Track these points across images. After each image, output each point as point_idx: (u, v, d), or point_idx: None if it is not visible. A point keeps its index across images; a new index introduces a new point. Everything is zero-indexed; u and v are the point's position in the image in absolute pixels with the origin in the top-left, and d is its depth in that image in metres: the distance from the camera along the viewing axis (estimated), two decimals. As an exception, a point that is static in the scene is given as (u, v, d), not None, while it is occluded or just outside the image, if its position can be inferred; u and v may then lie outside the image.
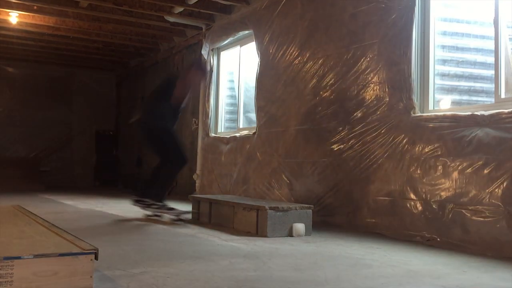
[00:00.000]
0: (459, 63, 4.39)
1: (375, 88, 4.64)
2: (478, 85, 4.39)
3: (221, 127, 7.76)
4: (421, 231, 4.02)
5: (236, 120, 7.47)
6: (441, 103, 4.37)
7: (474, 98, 4.35)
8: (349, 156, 4.83)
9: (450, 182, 3.84)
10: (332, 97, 5.11)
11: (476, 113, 3.72)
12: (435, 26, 4.34)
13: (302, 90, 5.57)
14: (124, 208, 6.39)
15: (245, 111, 7.26)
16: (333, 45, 5.17)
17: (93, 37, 8.96)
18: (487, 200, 3.54)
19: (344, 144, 4.89)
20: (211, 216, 4.90)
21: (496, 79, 3.77)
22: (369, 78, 4.69)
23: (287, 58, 5.82)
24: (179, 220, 4.91)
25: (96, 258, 2.23)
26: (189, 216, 5.05)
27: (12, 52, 10.21)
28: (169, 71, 9.60)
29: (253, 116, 6.73)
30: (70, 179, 11.63)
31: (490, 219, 3.51)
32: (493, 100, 3.83)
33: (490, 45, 3.95)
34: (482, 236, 3.54)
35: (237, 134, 6.94)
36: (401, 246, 3.74)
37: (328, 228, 4.59)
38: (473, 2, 4.40)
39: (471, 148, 3.69)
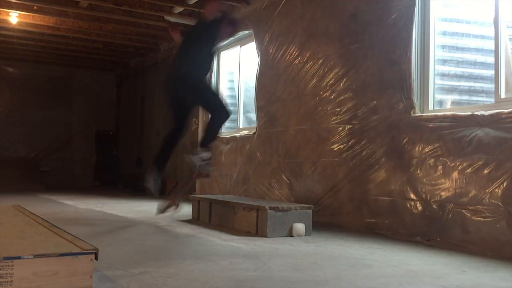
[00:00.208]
0: (459, 63, 4.39)
1: (375, 88, 4.63)
2: (478, 85, 4.39)
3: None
4: (421, 231, 4.02)
5: (236, 120, 7.47)
6: (441, 103, 4.37)
7: (474, 98, 4.35)
8: (349, 156, 4.83)
9: (450, 182, 3.84)
10: (332, 97, 5.11)
11: (476, 113, 3.72)
12: (435, 26, 4.34)
13: (302, 90, 5.57)
14: (124, 208, 6.40)
15: (245, 111, 7.26)
16: (333, 45, 5.17)
17: (93, 37, 8.96)
18: (487, 200, 3.54)
19: (344, 144, 4.89)
20: (211, 216, 4.90)
21: (496, 79, 3.77)
22: (369, 78, 4.69)
23: (287, 58, 5.82)
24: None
25: (96, 258, 2.23)
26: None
27: (12, 52, 10.21)
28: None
29: (253, 116, 6.73)
30: (70, 179, 11.62)
31: (490, 219, 3.51)
32: (493, 100, 3.83)
33: (490, 45, 3.95)
34: (482, 236, 3.54)
35: (237, 134, 6.94)
36: (401, 246, 3.74)
37: (328, 228, 4.59)
38: (473, 2, 4.40)
39: (471, 148, 3.69)
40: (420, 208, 4.07)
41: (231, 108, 7.75)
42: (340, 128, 4.96)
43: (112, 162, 12.14)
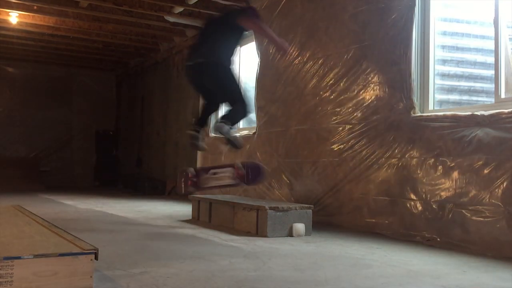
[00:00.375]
0: (459, 63, 4.39)
1: (375, 88, 4.64)
2: (478, 85, 4.39)
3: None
4: (421, 231, 4.02)
5: (236, 120, 7.45)
6: (441, 103, 4.37)
7: (474, 98, 4.35)
8: (349, 156, 4.83)
9: (450, 182, 3.84)
10: (332, 97, 5.11)
11: (476, 113, 3.72)
12: (435, 26, 4.34)
13: (302, 90, 5.57)
14: (124, 208, 6.40)
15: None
16: (333, 45, 5.17)
17: (93, 37, 8.97)
18: (487, 200, 3.54)
19: (344, 144, 4.89)
20: (211, 216, 4.90)
21: (496, 79, 3.77)
22: (369, 78, 4.69)
23: (287, 58, 5.82)
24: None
25: (96, 258, 2.23)
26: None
27: (12, 52, 10.22)
28: (167, 74, 9.59)
29: (253, 116, 6.72)
30: (70, 179, 11.63)
31: (490, 219, 3.51)
32: (493, 100, 3.83)
33: (490, 45, 3.95)
34: (482, 236, 3.54)
35: (237, 134, 6.92)
36: (401, 246, 3.74)
37: (328, 228, 4.59)
38: (473, 2, 4.40)
39: (471, 148, 3.69)
40: (420, 208, 4.07)
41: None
42: (340, 128, 4.96)
43: (112, 162, 12.15)
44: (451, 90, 4.39)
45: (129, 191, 9.88)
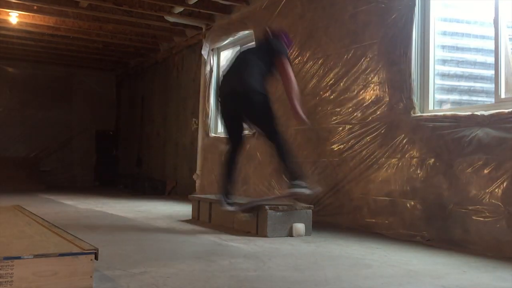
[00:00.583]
0: (459, 63, 4.39)
1: (375, 88, 4.64)
2: (478, 85, 4.39)
3: (221, 127, 7.75)
4: (421, 231, 4.02)
5: (236, 120, 7.46)
6: (444, 105, 4.37)
7: (474, 98, 4.35)
8: (349, 156, 4.83)
9: (450, 182, 3.84)
10: (332, 97, 5.11)
11: (476, 113, 3.72)
12: (435, 26, 4.34)
13: (302, 90, 5.55)
14: (124, 208, 6.40)
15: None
16: (333, 45, 5.17)
17: (93, 37, 8.97)
18: (487, 200, 3.54)
19: (344, 144, 4.89)
20: (211, 216, 4.90)
21: (496, 79, 3.77)
22: (369, 78, 4.69)
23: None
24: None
25: (96, 258, 2.23)
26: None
27: (12, 52, 10.22)
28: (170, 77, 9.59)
29: (253, 116, 6.72)
30: (70, 179, 11.63)
31: (490, 219, 3.51)
32: (493, 100, 3.83)
33: (490, 45, 3.95)
34: (482, 236, 3.54)
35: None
36: (401, 246, 3.74)
37: (328, 228, 4.58)
38: (473, 2, 4.40)
39: (471, 148, 3.69)
40: (420, 208, 4.07)
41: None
42: (340, 128, 4.96)
43: (112, 162, 12.15)
44: (451, 90, 4.39)
45: (129, 191, 9.88)
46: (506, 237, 3.39)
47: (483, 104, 4.07)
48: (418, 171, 4.11)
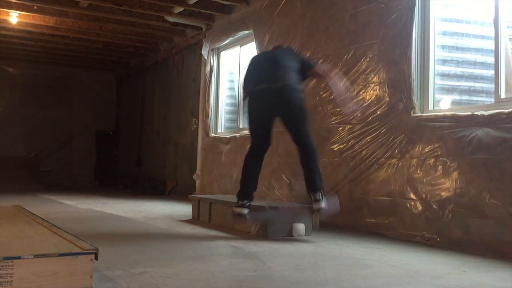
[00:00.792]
0: (459, 63, 4.39)
1: (375, 88, 4.64)
2: (478, 85, 4.38)
3: (221, 127, 7.76)
4: (421, 231, 4.02)
5: (236, 120, 7.47)
6: (441, 103, 4.37)
7: (474, 98, 4.35)
8: (349, 156, 4.83)
9: (450, 182, 3.84)
10: (332, 97, 5.11)
11: (476, 113, 3.72)
12: (435, 26, 4.34)
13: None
14: (124, 208, 6.40)
15: (245, 111, 7.24)
16: (333, 45, 5.17)
17: (93, 37, 8.97)
18: (487, 200, 3.54)
19: (344, 144, 4.89)
20: (211, 216, 4.90)
21: (496, 79, 3.77)
22: (369, 78, 4.69)
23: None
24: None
25: (96, 258, 2.23)
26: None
27: (12, 52, 10.22)
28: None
29: (253, 116, 6.71)
30: (70, 179, 11.64)
31: (490, 219, 3.51)
32: (493, 100, 3.83)
33: (490, 45, 3.95)
34: (482, 236, 3.54)
35: (237, 134, 6.94)
36: (401, 246, 3.74)
37: (328, 228, 4.58)
38: (473, 2, 4.40)
39: (471, 148, 3.69)
40: (420, 208, 4.07)
41: (231, 108, 7.79)
42: (340, 128, 4.96)
43: (112, 162, 12.15)
44: (451, 90, 4.39)
45: (129, 191, 9.88)
46: (506, 237, 3.39)
47: (483, 104, 4.07)
48: (418, 171, 4.11)
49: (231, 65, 7.74)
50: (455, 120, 3.85)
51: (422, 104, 4.29)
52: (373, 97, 4.64)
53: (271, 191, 5.89)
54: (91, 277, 2.19)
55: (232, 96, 7.78)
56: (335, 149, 5.00)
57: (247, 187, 4.13)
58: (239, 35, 7.07)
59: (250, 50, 6.91)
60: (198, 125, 8.06)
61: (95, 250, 2.23)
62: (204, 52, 7.70)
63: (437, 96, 4.33)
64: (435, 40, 4.33)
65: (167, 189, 9.24)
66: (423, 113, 4.24)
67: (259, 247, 3.58)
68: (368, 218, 4.55)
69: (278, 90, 4.01)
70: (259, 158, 4.23)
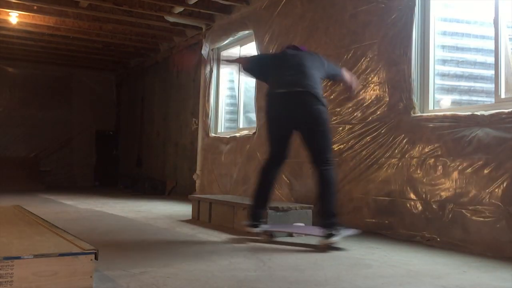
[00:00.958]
0: (459, 63, 4.39)
1: (375, 88, 4.64)
2: (478, 85, 4.39)
3: (221, 127, 7.76)
4: (421, 231, 4.02)
5: (236, 120, 7.47)
6: (441, 103, 4.37)
7: (474, 98, 4.35)
8: (349, 156, 4.83)
9: (450, 182, 3.84)
10: (332, 97, 5.11)
11: (476, 113, 3.72)
12: (435, 26, 4.34)
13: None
14: (124, 208, 6.40)
15: (245, 111, 7.26)
16: (333, 45, 5.17)
17: (93, 37, 8.97)
18: (487, 200, 3.54)
19: (344, 144, 4.89)
20: (211, 216, 4.90)
21: (496, 79, 3.77)
22: (369, 78, 4.69)
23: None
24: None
25: (96, 258, 2.23)
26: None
27: (12, 52, 10.22)
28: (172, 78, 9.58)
29: (253, 116, 6.73)
30: (70, 179, 11.63)
31: (490, 219, 3.51)
32: (493, 100, 3.83)
33: (490, 45, 3.95)
34: (482, 236, 3.54)
35: (237, 134, 6.94)
36: (401, 246, 3.74)
37: (328, 228, 4.58)
38: (473, 2, 4.40)
39: (471, 148, 3.69)
40: (420, 208, 4.07)
41: (231, 108, 7.79)
42: (340, 128, 4.96)
43: (112, 162, 12.15)
44: (451, 90, 4.39)
45: (129, 191, 9.88)
46: (506, 237, 3.38)
47: (483, 104, 4.07)
48: (418, 171, 4.11)
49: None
50: (455, 120, 3.85)
51: (422, 104, 4.29)
52: (373, 97, 4.63)
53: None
54: (91, 277, 2.19)
55: (232, 96, 7.78)
56: (335, 149, 4.99)
57: (259, 206, 3.86)
58: (239, 35, 7.07)
59: (250, 50, 6.91)
60: (198, 125, 8.06)
61: (95, 250, 2.24)
62: (204, 52, 7.70)
63: (437, 96, 4.33)
64: (435, 40, 4.33)
65: (167, 189, 9.24)
66: (423, 113, 4.24)
67: (259, 247, 3.58)
68: (368, 218, 4.55)
69: (299, 96, 3.66)
70: (275, 171, 3.93)
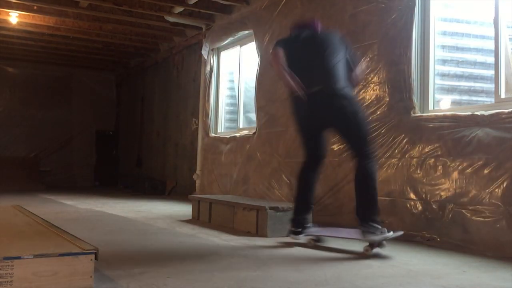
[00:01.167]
0: (459, 63, 4.39)
1: (375, 88, 4.64)
2: (478, 85, 4.39)
3: (221, 127, 7.76)
4: (421, 231, 4.02)
5: (236, 120, 7.47)
6: (441, 103, 4.37)
7: (474, 98, 4.35)
8: (349, 156, 4.81)
9: (450, 182, 3.84)
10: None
11: (476, 113, 3.72)
12: (435, 26, 4.33)
13: (302, 90, 5.56)
14: (124, 208, 6.40)
15: (245, 111, 7.26)
16: (333, 45, 5.16)
17: (93, 37, 8.97)
18: (487, 200, 3.54)
19: (344, 144, 4.88)
20: (211, 216, 4.90)
21: (496, 79, 3.77)
22: (369, 78, 4.69)
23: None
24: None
25: (96, 258, 2.23)
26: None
27: (12, 52, 10.22)
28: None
29: (253, 116, 6.73)
30: (70, 179, 11.63)
31: (490, 219, 3.51)
32: (493, 100, 3.83)
33: (490, 45, 3.95)
34: (482, 236, 3.54)
35: (237, 134, 6.94)
36: (401, 246, 3.74)
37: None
38: (473, 2, 4.40)
39: (471, 148, 3.69)
40: (420, 208, 4.07)
41: (231, 108, 7.79)
42: (340, 128, 4.95)
43: (112, 162, 12.15)
44: (451, 90, 4.39)
45: (129, 191, 9.88)
46: (506, 237, 3.38)
47: (483, 104, 4.07)
48: (418, 171, 4.11)
49: (231, 65, 7.74)
50: (455, 120, 3.85)
51: (422, 104, 4.29)
52: (373, 97, 4.63)
53: (271, 191, 5.89)
54: (91, 277, 2.19)
55: (232, 96, 7.78)
56: (335, 149, 4.99)
57: (302, 212, 3.68)
58: (239, 35, 7.07)
59: (250, 50, 6.91)
60: (198, 125, 8.06)
61: (95, 250, 2.24)
62: (204, 52, 7.70)
63: (437, 96, 4.33)
64: (435, 40, 4.33)
65: (167, 189, 9.24)
66: (423, 113, 4.24)
67: (259, 247, 3.58)
68: (368, 218, 4.54)
69: (321, 97, 3.45)
70: (314, 173, 3.74)
